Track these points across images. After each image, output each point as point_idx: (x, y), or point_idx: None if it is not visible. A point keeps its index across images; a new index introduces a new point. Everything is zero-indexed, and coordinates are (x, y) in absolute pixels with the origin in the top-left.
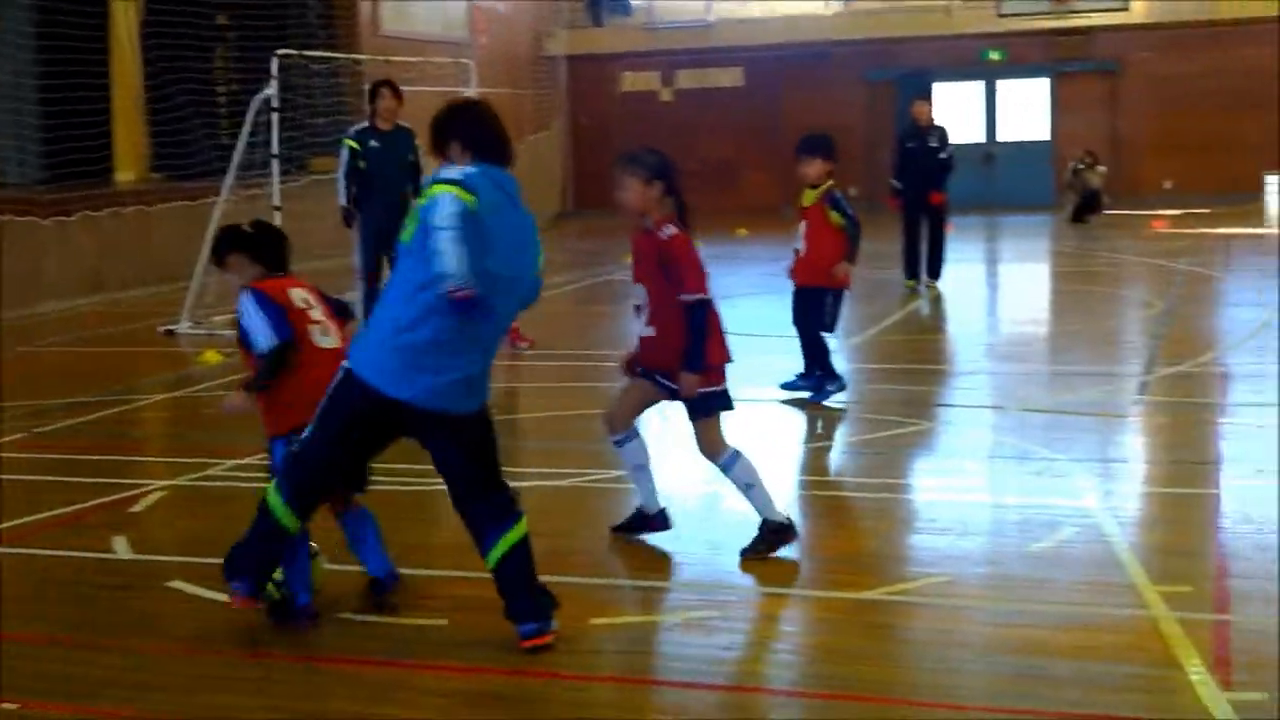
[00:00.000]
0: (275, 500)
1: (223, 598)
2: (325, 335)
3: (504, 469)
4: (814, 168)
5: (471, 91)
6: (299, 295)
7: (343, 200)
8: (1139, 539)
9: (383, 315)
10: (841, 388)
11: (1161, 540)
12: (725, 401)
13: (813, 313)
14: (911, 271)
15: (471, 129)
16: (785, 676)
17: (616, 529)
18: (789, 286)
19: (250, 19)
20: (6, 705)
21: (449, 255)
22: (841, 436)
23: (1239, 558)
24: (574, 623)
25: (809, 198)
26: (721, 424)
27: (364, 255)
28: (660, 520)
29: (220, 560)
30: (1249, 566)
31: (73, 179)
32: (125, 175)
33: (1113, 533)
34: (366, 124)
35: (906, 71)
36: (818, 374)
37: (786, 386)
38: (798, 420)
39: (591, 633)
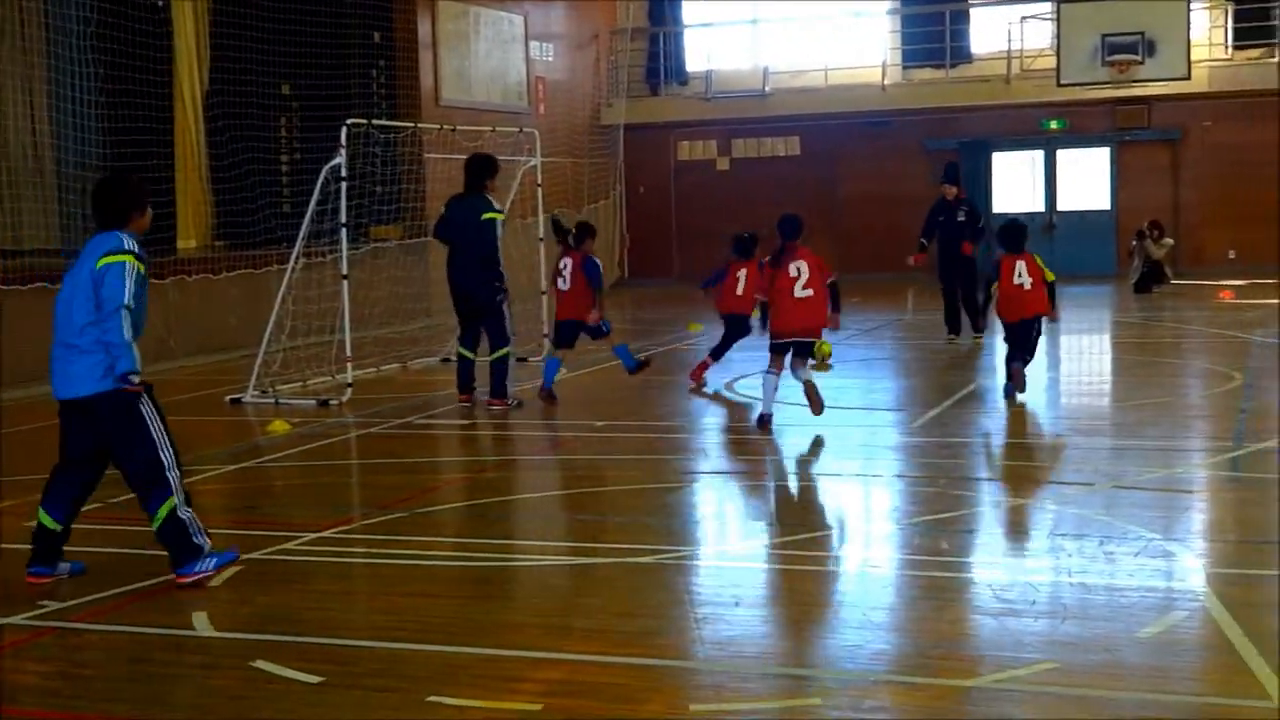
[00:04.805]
0: None
1: (311, 678)
2: (563, 282)
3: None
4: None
5: (535, 160)
6: (562, 263)
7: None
8: (1251, 623)
9: None
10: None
11: (1275, 625)
12: None
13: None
14: (952, 328)
15: None
16: None
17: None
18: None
19: (314, 89)
20: None
21: None
22: (926, 513)
23: None
24: (671, 710)
25: None
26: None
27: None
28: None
29: (298, 638)
30: None
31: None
32: (188, 243)
33: (1221, 616)
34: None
35: (966, 140)
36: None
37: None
38: (884, 497)
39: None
